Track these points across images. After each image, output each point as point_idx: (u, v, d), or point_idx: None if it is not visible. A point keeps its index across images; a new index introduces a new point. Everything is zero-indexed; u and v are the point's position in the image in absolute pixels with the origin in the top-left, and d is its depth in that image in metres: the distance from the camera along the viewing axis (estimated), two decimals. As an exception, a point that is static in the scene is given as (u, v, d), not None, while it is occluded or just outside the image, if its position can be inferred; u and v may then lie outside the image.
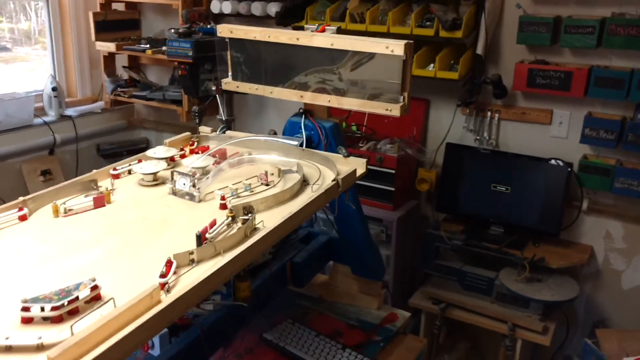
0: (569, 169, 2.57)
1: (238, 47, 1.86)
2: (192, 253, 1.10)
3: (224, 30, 1.84)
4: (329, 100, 1.75)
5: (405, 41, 1.59)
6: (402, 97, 1.66)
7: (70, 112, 3.60)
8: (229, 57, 1.89)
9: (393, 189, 2.79)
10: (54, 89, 3.42)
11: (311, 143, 1.82)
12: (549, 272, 2.57)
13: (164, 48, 3.27)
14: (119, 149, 3.86)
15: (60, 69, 3.71)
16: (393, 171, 2.76)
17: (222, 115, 2.84)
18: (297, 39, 1.73)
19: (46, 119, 3.45)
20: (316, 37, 1.70)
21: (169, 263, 1.07)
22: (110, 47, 3.50)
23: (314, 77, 1.78)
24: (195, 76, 2.78)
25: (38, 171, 3.41)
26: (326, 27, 1.81)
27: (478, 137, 2.85)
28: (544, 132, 2.71)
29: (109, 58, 3.68)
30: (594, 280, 2.75)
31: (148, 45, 3.44)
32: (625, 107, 2.50)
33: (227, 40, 1.86)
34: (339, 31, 1.81)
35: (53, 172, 3.48)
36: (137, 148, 3.96)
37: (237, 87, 1.91)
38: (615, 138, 2.45)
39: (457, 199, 2.87)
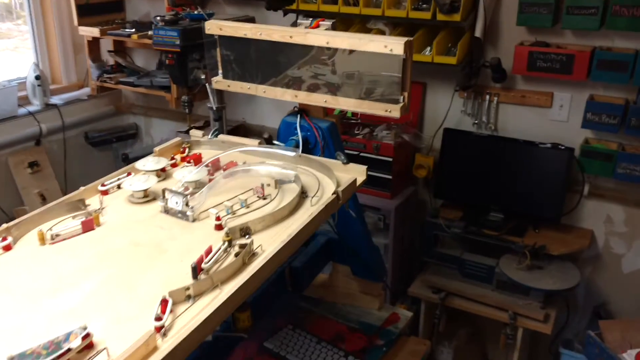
0: (571, 154, 2.52)
1: (228, 44, 1.77)
2: (188, 289, 1.04)
3: (213, 27, 1.75)
4: (325, 101, 1.68)
5: (406, 39, 1.51)
6: (402, 97, 1.59)
7: (55, 100, 3.49)
8: (218, 55, 1.80)
9: (390, 177, 2.73)
10: (37, 78, 3.30)
11: (307, 145, 1.75)
12: (549, 259, 2.54)
13: (149, 32, 3.16)
14: (107, 136, 3.77)
15: (44, 55, 3.57)
16: (390, 159, 2.70)
17: (213, 103, 2.74)
18: (290, 37, 1.64)
19: (31, 108, 3.34)
20: (310, 34, 1.61)
21: (164, 302, 1.01)
22: (94, 32, 3.37)
23: (307, 71, 1.69)
24: (184, 65, 2.67)
25: (25, 163, 3.32)
26: (320, 23, 1.73)
27: (476, 121, 2.78)
28: (544, 115, 2.65)
29: (93, 42, 3.55)
30: (594, 264, 2.72)
31: (133, 30, 3.31)
32: (628, 90, 2.43)
33: (217, 37, 1.76)
34: (334, 26, 1.73)
35: (41, 164, 3.39)
36: (126, 134, 3.88)
37: (229, 86, 1.83)
38: (618, 122, 2.39)
39: (456, 185, 2.81)
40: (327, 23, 1.71)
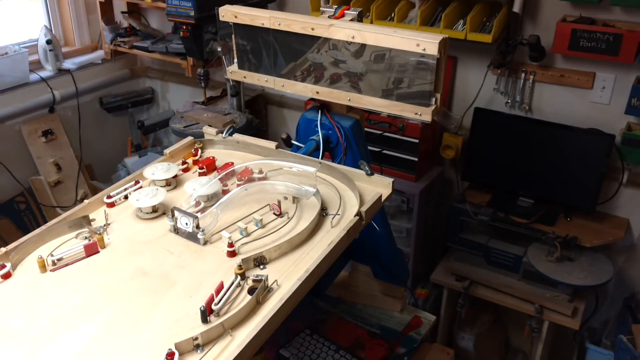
0: (611, 141, 2.35)
1: (244, 30, 1.62)
2: (196, 339, 0.96)
3: (227, 14, 1.60)
4: (349, 99, 1.54)
5: (441, 37, 1.36)
6: (434, 98, 1.45)
7: (68, 64, 3.36)
8: (233, 42, 1.65)
9: (416, 159, 2.59)
10: (48, 42, 3.17)
11: (329, 143, 1.63)
12: (580, 249, 2.42)
13: (164, -4, 2.98)
14: (123, 101, 3.65)
15: (55, 15, 3.42)
16: (417, 140, 2.55)
17: (229, 81, 2.60)
18: (312, 29, 1.49)
19: (43, 74, 3.22)
20: (334, 27, 1.46)
21: (170, 356, 0.93)
22: (105, -7, 3.21)
23: (327, 55, 1.55)
24: (199, 37, 2.50)
25: (39, 132, 3.23)
26: (345, 12, 1.57)
27: (509, 101, 2.60)
28: (584, 97, 2.46)
29: (106, 3, 3.39)
30: (628, 253, 2.59)
31: (147, -8, 3.14)
32: (679, 73, 2.23)
33: (231, 24, 1.62)
34: (361, 16, 1.57)
35: (55, 132, 3.31)
36: (142, 99, 3.76)
37: (245, 77, 1.69)
38: (667, 110, 2.20)
39: (485, 167, 2.67)
40: (353, 12, 1.56)
